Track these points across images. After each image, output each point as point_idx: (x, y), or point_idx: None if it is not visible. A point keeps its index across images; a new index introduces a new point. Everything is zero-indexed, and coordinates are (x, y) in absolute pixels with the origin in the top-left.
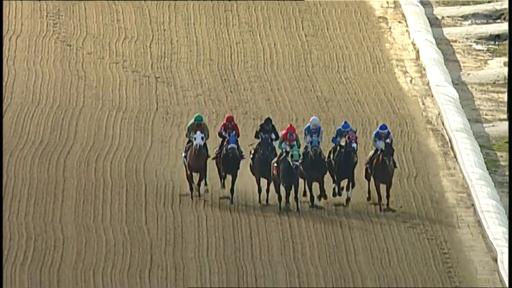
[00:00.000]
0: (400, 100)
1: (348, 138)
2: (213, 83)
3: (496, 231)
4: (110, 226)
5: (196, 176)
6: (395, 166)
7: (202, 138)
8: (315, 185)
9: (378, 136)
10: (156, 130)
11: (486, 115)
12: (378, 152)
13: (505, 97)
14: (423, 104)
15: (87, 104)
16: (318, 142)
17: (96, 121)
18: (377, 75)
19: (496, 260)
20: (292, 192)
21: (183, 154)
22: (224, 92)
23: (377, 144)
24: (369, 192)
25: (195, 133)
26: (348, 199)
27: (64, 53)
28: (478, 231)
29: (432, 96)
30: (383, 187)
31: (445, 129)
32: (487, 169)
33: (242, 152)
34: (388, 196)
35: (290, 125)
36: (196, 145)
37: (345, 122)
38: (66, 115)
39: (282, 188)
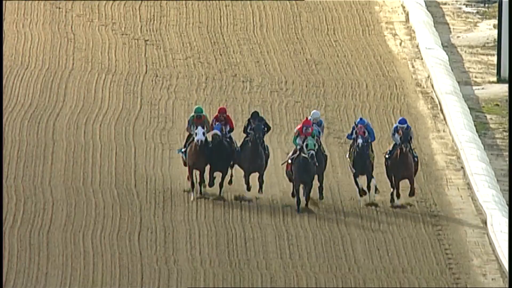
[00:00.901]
0: (390, 62)
1: (356, 133)
2: (202, 45)
3: (485, 194)
4: (99, 188)
5: (196, 174)
6: (415, 160)
7: (203, 133)
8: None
9: (396, 130)
10: (146, 92)
11: (475, 77)
12: (397, 147)
13: (494, 59)
14: (413, 66)
15: (76, 66)
16: (319, 132)
17: (85, 83)
18: (366, 38)
19: (485, 223)
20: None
21: (182, 149)
22: (213, 55)
23: (395, 138)
24: (392, 194)
25: (196, 127)
26: (375, 190)
27: (53, 15)
28: (467, 193)
29: (422, 58)
30: (404, 183)
31: (434, 91)
32: (477, 132)
33: (236, 147)
34: (411, 193)
35: (306, 118)
36: (198, 141)
37: (361, 119)
38: (55, 77)
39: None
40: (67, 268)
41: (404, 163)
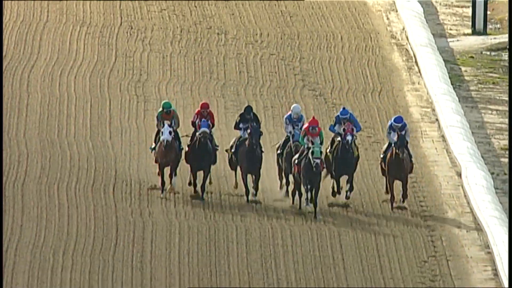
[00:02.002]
0: (365, 14)
1: (344, 129)
2: None
3: (460, 146)
4: (74, 141)
5: (167, 172)
6: (411, 160)
7: (170, 132)
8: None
9: (392, 128)
10: (120, 44)
11: (450, 29)
12: (392, 146)
13: (469, 11)
14: (388, 18)
15: (51, 18)
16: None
17: (60, 35)
18: None
19: (460, 175)
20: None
21: (152, 145)
22: (188, 7)
23: (390, 136)
24: (387, 189)
25: (163, 124)
26: (347, 197)
27: None
28: (442, 146)
29: (397, 11)
30: (398, 184)
31: (409, 43)
32: (452, 84)
33: (216, 145)
34: (404, 195)
35: (313, 117)
36: (163, 140)
37: (344, 108)
38: (30, 29)
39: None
40: (42, 220)
41: (398, 164)
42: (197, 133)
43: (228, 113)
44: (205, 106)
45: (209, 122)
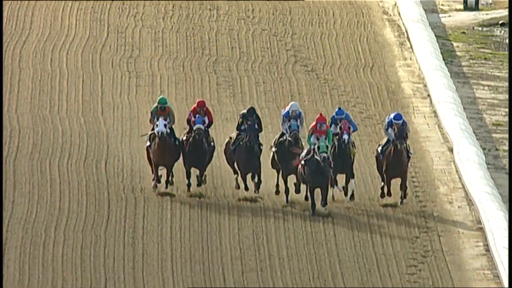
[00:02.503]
0: None
1: (340, 128)
2: None
3: (452, 121)
4: (66, 116)
5: (162, 171)
6: (409, 157)
7: (165, 125)
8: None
9: (390, 125)
10: (112, 20)
11: (442, 5)
12: (390, 142)
13: None
14: None
15: None
16: (298, 127)
17: (51, 11)
18: None
19: (451, 150)
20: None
21: (147, 144)
22: None
23: (388, 133)
24: (382, 188)
25: (158, 119)
26: (351, 195)
27: None
28: (434, 121)
29: None
30: (396, 182)
31: (401, 19)
32: (443, 60)
33: (212, 142)
34: (404, 194)
35: (321, 114)
36: (158, 132)
37: (339, 109)
38: (21, 5)
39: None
40: (34, 196)
41: (397, 161)
42: (192, 130)
43: (220, 89)
44: (201, 104)
45: (204, 118)
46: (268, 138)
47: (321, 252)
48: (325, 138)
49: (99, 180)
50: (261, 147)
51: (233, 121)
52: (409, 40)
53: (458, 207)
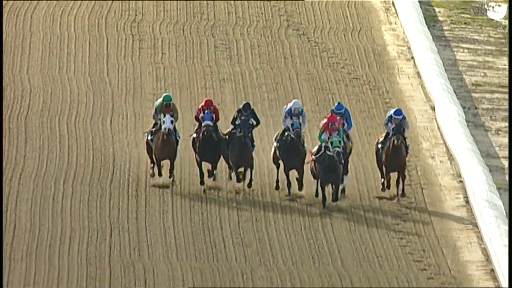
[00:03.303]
0: None
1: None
2: None
3: (434, 82)
4: (74, 77)
5: (164, 165)
6: (407, 152)
7: (171, 122)
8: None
9: (391, 120)
10: None
11: None
12: (390, 136)
13: None
14: None
15: None
16: (300, 125)
17: None
18: None
19: (434, 109)
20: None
21: (149, 137)
22: None
23: (388, 127)
24: (382, 183)
25: (164, 115)
26: (343, 190)
27: None
28: (417, 82)
29: None
30: (394, 176)
31: None
32: (426, 24)
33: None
34: (402, 188)
35: (331, 113)
36: (165, 129)
37: (339, 103)
38: None
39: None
40: (44, 151)
41: (396, 156)
42: (202, 127)
43: (217, 51)
44: (208, 103)
45: (212, 115)
46: (263, 98)
47: (318, 228)
48: (337, 135)
49: (105, 136)
50: (254, 143)
51: (230, 81)
52: (394, 6)
53: (440, 161)
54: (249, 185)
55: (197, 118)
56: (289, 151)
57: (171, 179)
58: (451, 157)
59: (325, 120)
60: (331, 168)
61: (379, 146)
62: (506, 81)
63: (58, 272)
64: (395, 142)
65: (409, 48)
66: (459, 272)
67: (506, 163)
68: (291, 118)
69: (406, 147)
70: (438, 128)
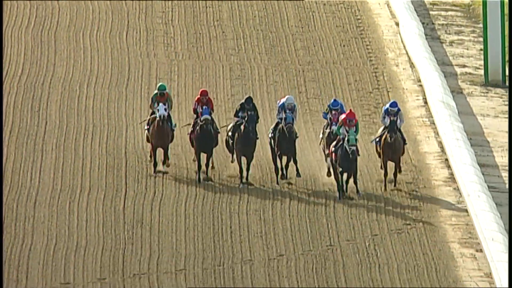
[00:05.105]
0: None
1: (330, 119)
2: None
3: (398, 1)
4: None
5: (159, 153)
6: (404, 143)
7: (165, 109)
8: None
9: (387, 112)
10: None
11: None
12: (385, 129)
13: None
14: None
15: None
16: (292, 119)
17: None
18: None
19: (397, 24)
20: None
21: (145, 127)
22: None
23: (384, 121)
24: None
25: (158, 104)
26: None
27: None
28: (383, 1)
29: None
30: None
31: None
32: None
33: (217, 128)
34: (395, 174)
35: (350, 110)
36: (160, 116)
37: (334, 100)
38: None
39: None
40: (70, 60)
41: (391, 147)
42: (199, 120)
43: None
44: (204, 93)
45: (210, 110)
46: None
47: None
48: (354, 130)
49: (121, 48)
50: (257, 136)
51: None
52: None
53: (403, 69)
54: (247, 175)
55: (195, 111)
56: (282, 139)
57: (164, 166)
58: (412, 65)
59: (343, 116)
60: (348, 159)
61: (377, 140)
62: (460, 0)
63: (82, 161)
64: (389, 140)
65: None
66: (419, 161)
67: (458, 70)
68: (285, 112)
69: (404, 140)
70: (402, 41)
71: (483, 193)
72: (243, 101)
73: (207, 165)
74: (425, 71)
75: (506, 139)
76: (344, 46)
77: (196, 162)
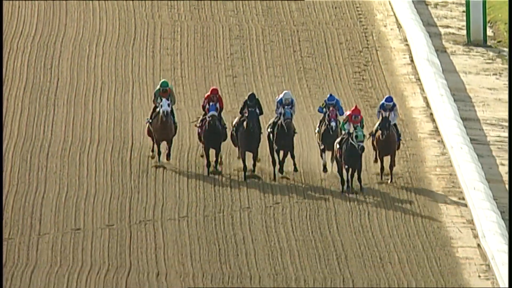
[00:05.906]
0: None
1: (328, 115)
2: None
3: None
4: None
5: (163, 147)
6: (399, 139)
7: (168, 104)
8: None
9: (383, 108)
10: None
11: None
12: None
13: None
14: None
15: None
16: (291, 114)
17: None
18: None
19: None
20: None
21: (148, 121)
22: None
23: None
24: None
25: (161, 100)
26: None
27: None
28: None
29: None
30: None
31: None
32: None
33: (225, 124)
34: (391, 167)
35: (356, 106)
36: (164, 111)
37: (330, 95)
38: None
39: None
40: (80, 21)
41: (386, 142)
42: (207, 116)
43: None
44: (214, 91)
45: (217, 105)
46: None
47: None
48: (360, 126)
49: (128, 9)
50: (261, 130)
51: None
52: None
53: (391, 29)
54: (253, 168)
55: (204, 107)
56: (279, 133)
57: (169, 160)
58: (399, 26)
59: (348, 112)
60: (353, 154)
61: (373, 134)
62: None
63: (91, 116)
64: (381, 137)
65: None
66: (406, 115)
67: (442, 30)
68: (283, 108)
69: (398, 135)
70: (390, 3)
71: (466, 145)
72: (246, 98)
73: (216, 161)
74: (411, 31)
75: (487, 95)
76: (336, 8)
77: (205, 158)
